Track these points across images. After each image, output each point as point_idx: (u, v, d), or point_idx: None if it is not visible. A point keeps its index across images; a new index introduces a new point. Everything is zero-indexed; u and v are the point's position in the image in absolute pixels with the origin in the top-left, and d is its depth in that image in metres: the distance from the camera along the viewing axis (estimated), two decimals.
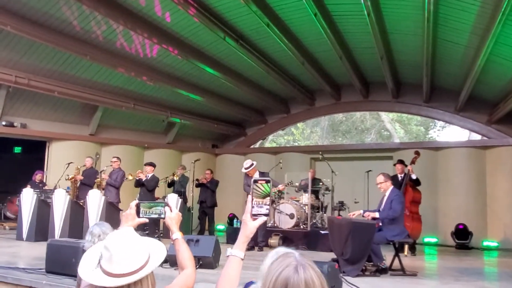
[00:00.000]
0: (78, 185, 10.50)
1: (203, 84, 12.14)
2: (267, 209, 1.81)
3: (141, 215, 2.10)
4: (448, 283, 5.92)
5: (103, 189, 9.92)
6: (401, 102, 12.79)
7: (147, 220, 2.08)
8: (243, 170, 9.10)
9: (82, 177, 10.37)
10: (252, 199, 1.81)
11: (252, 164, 9.01)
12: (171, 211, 2.12)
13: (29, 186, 10.58)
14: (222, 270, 1.82)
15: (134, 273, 1.64)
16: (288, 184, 10.04)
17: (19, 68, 10.06)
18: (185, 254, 2.05)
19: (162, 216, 2.12)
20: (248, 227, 1.81)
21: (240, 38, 9.43)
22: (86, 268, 1.70)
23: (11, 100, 10.95)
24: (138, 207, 2.10)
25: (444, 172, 11.81)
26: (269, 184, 1.83)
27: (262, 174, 9.08)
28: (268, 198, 1.81)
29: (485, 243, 10.91)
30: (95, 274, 1.66)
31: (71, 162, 10.53)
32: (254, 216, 1.80)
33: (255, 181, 1.84)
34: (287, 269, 1.43)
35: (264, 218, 1.82)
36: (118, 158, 10.25)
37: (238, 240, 1.84)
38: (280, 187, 9.81)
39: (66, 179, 10.41)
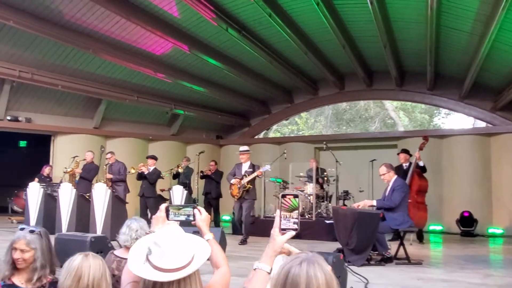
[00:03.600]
0: (77, 179, 10.56)
1: (206, 76, 12.13)
2: (295, 223, 1.78)
3: (170, 218, 2.10)
4: (454, 271, 5.94)
5: (110, 186, 10.01)
6: (405, 90, 12.74)
7: (177, 223, 2.08)
8: (238, 152, 9.21)
9: (80, 171, 10.43)
10: (280, 213, 1.78)
11: (248, 150, 9.14)
12: (200, 213, 2.13)
13: (36, 179, 10.65)
14: (248, 283, 1.80)
15: (183, 268, 1.69)
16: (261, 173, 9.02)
17: (22, 63, 10.09)
18: (218, 254, 2.07)
19: (191, 218, 2.11)
20: (276, 242, 1.79)
21: (242, 29, 9.40)
22: (135, 263, 1.74)
23: (16, 95, 11.00)
24: (167, 210, 2.10)
25: (449, 159, 11.79)
26: (297, 199, 1.79)
27: (252, 166, 8.99)
28: (297, 211, 1.78)
29: (490, 230, 10.92)
30: (145, 269, 1.71)
31: (76, 156, 10.60)
32: (283, 230, 1.78)
33: (283, 196, 1.81)
34: (292, 263, 1.46)
35: (293, 233, 1.78)
36: (111, 152, 10.38)
37: (266, 254, 1.82)
38: (258, 172, 8.79)
39: (64, 172, 10.47)
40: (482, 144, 11.52)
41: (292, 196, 1.80)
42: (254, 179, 8.77)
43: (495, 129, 11.62)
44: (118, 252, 3.55)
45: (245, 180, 8.67)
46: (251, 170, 8.78)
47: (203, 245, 1.84)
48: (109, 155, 10.32)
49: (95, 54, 9.98)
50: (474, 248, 8.69)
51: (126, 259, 3.42)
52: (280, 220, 1.78)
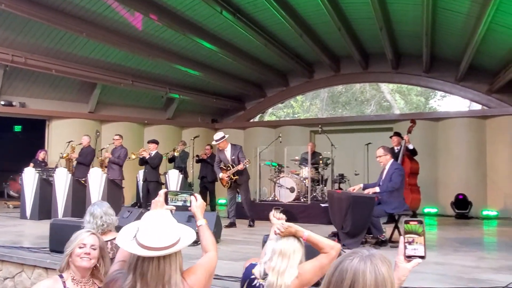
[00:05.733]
0: (74, 163, 10.52)
1: (201, 59, 12.05)
2: (421, 249, 1.69)
3: (168, 203, 2.22)
4: (448, 254, 5.99)
5: (105, 167, 9.96)
6: (401, 73, 12.69)
7: (174, 208, 2.20)
8: (213, 143, 8.89)
9: (76, 156, 10.39)
10: (404, 240, 1.70)
11: (224, 137, 8.65)
12: (196, 200, 2.26)
13: (32, 164, 10.62)
14: None
15: (165, 249, 1.83)
16: (248, 161, 8.66)
17: (15, 47, 9.98)
18: (208, 239, 2.21)
19: (187, 204, 2.24)
20: (401, 269, 1.68)
21: (237, 12, 9.31)
22: (123, 240, 1.90)
23: (9, 79, 10.91)
24: (166, 195, 2.22)
25: (444, 142, 11.82)
26: (421, 225, 1.71)
27: (234, 146, 8.78)
28: (422, 238, 1.70)
29: (485, 213, 11.00)
30: (131, 245, 1.85)
31: (72, 140, 10.56)
32: (408, 258, 1.69)
33: (406, 221, 1.72)
34: (346, 255, 1.41)
35: (420, 261, 1.69)
36: (120, 135, 10.28)
37: None
38: (240, 166, 8.49)
39: (60, 157, 10.43)
40: (478, 126, 11.53)
41: (416, 222, 1.72)
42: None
43: (490, 111, 11.62)
44: None
45: (230, 172, 8.54)
46: (234, 157, 8.59)
47: (189, 232, 1.98)
48: (116, 137, 10.26)
49: (89, 37, 9.87)
50: (468, 230, 8.75)
51: (111, 240, 3.44)
52: (405, 247, 1.69)
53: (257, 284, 2.60)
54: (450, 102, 24.03)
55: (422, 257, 1.68)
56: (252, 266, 2.71)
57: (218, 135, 8.74)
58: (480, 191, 11.21)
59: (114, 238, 3.46)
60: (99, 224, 3.46)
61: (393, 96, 25.19)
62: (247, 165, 8.54)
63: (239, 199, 9.47)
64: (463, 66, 10.66)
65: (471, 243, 7.02)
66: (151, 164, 10.09)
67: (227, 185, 8.70)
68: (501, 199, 10.96)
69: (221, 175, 8.71)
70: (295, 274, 2.55)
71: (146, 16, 9.19)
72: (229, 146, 8.77)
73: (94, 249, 2.69)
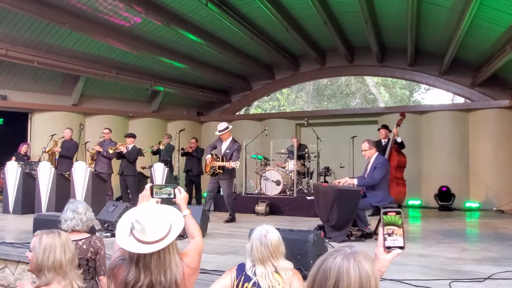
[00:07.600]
0: (56, 157, 10.41)
1: (186, 52, 11.96)
2: (400, 240, 1.68)
3: (154, 196, 2.37)
4: (431, 246, 6.07)
5: (94, 159, 9.90)
6: (386, 66, 12.77)
7: (159, 200, 2.35)
8: (217, 133, 8.63)
9: (59, 149, 10.27)
10: (383, 231, 1.69)
11: (227, 128, 8.54)
12: (180, 192, 2.42)
13: (14, 158, 10.47)
14: None
15: (163, 239, 1.98)
16: (236, 165, 8.38)
17: None
18: (194, 227, 2.41)
19: (172, 196, 2.40)
20: (381, 260, 1.69)
21: (222, 4, 9.24)
22: (121, 238, 2.02)
23: None
24: (151, 188, 2.39)
25: (428, 135, 11.94)
26: (399, 215, 1.69)
27: (233, 142, 8.64)
28: (401, 229, 1.68)
29: (467, 204, 11.15)
30: (130, 243, 1.98)
31: (55, 134, 10.43)
32: (388, 248, 1.68)
33: (385, 213, 1.71)
34: (328, 254, 1.40)
35: (399, 251, 1.68)
36: (109, 129, 10.24)
37: None
38: (227, 164, 8.30)
39: (43, 152, 10.31)
40: (461, 119, 11.67)
41: (394, 213, 1.70)
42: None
43: (473, 104, 11.77)
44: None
45: (217, 164, 8.37)
46: (228, 151, 8.45)
47: (178, 216, 2.13)
48: (106, 131, 10.20)
49: (72, 29, 9.71)
50: (451, 222, 8.86)
51: (77, 240, 3.35)
52: (384, 238, 1.69)
53: (252, 271, 2.64)
54: (434, 95, 24.29)
55: (401, 248, 1.69)
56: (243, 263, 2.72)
57: (222, 125, 8.58)
58: (462, 183, 11.36)
59: (83, 239, 3.38)
60: (84, 220, 3.42)
61: (378, 89, 25.35)
62: (233, 166, 8.33)
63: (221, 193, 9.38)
64: (447, 60, 10.76)
65: (454, 235, 7.11)
66: (128, 158, 10.04)
67: (208, 172, 8.54)
68: (483, 191, 11.13)
69: (208, 157, 8.54)
70: (289, 268, 2.64)
71: (131, 8, 9.08)
72: (230, 139, 8.62)
73: (31, 251, 2.64)
